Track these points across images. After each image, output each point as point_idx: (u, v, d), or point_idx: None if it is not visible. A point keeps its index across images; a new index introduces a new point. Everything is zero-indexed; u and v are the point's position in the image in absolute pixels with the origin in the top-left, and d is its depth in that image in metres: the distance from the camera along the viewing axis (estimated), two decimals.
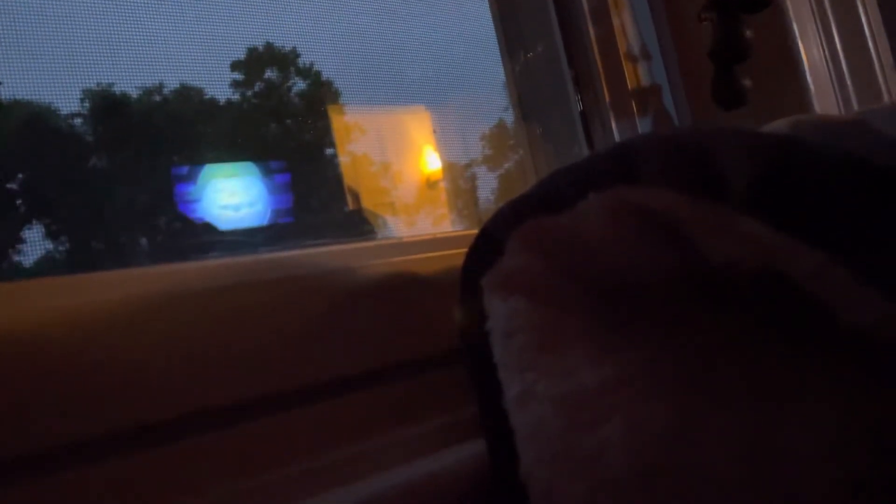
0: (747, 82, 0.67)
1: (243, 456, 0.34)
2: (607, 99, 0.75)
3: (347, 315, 0.40)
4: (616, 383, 0.32)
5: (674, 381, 0.32)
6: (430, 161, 1.84)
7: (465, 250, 0.40)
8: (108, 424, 0.31)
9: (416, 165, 1.83)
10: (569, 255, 0.36)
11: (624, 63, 0.76)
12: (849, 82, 0.74)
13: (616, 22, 0.76)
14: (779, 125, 0.46)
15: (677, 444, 0.30)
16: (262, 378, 0.36)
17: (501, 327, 0.35)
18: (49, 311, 0.31)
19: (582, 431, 0.31)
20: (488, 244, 0.38)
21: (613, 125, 0.74)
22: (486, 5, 0.81)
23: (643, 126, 0.74)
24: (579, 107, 0.76)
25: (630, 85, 0.76)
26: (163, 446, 0.32)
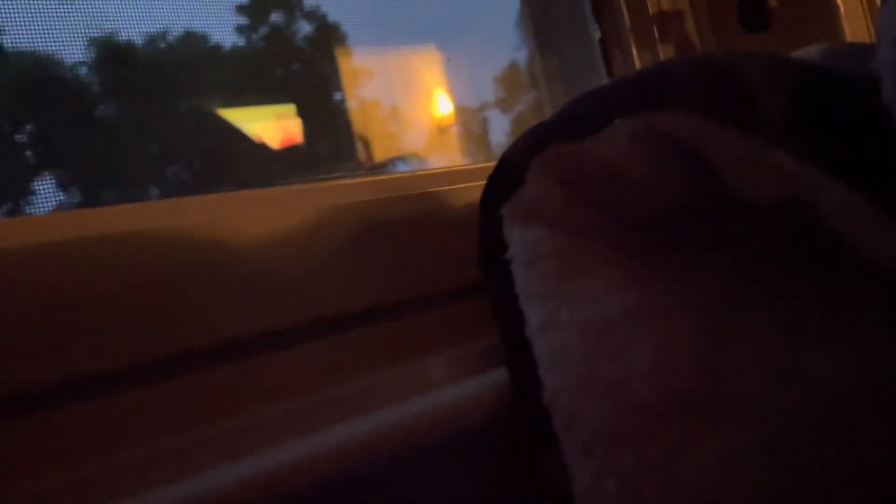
0: (774, 3, 0.64)
1: (269, 385, 0.34)
2: (628, 26, 0.72)
3: (369, 247, 0.40)
4: (640, 310, 0.31)
5: (697, 311, 0.31)
6: (442, 104, 1.80)
7: (482, 183, 0.39)
8: (127, 356, 0.31)
9: (426, 109, 1.80)
10: (592, 182, 0.35)
11: None
12: (879, 3, 0.71)
13: None
14: (809, 51, 0.44)
15: (702, 372, 0.29)
16: (287, 309, 0.36)
17: (522, 256, 0.35)
18: (66, 243, 0.31)
19: (606, 358, 0.30)
20: (508, 172, 0.37)
21: (635, 54, 0.72)
22: None
23: (665, 53, 0.72)
24: (598, 35, 0.74)
25: (651, 10, 0.73)
26: (188, 375, 0.32)
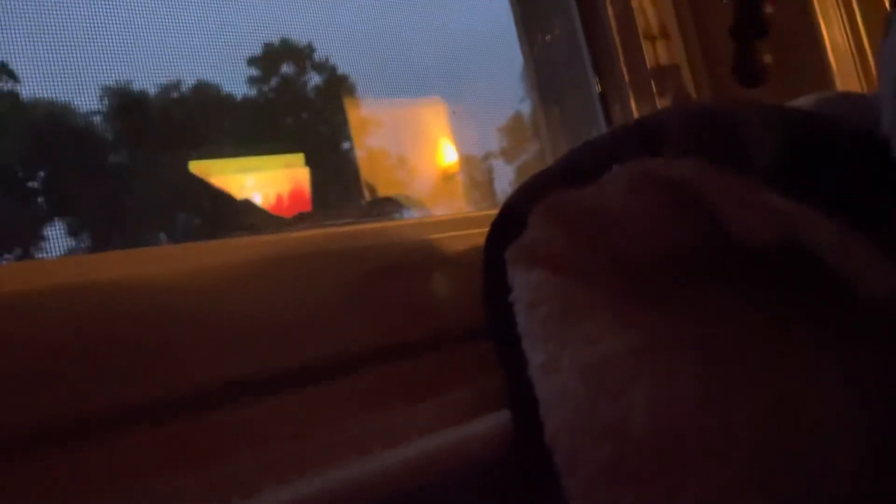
0: (768, 59, 0.66)
1: (274, 426, 0.35)
2: (626, 79, 0.74)
3: (376, 291, 0.40)
4: (639, 352, 0.32)
5: (696, 350, 0.32)
6: (447, 153, 1.83)
7: (486, 229, 0.40)
8: (142, 394, 0.32)
9: (432, 158, 1.83)
10: (592, 226, 0.36)
11: (643, 42, 0.75)
12: (870, 59, 0.73)
13: (634, 1, 0.76)
14: (803, 101, 0.46)
15: (699, 413, 0.30)
16: (294, 350, 0.36)
17: (525, 298, 0.35)
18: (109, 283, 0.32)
19: (606, 398, 0.31)
20: (512, 217, 0.38)
21: (633, 106, 0.74)
22: None
23: (663, 106, 0.74)
24: (598, 88, 0.76)
25: (649, 65, 0.75)
26: (202, 413, 0.33)
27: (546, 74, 0.80)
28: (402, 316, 0.41)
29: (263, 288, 0.36)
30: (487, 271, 0.39)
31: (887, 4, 0.74)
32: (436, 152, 1.87)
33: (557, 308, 0.35)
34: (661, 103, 0.74)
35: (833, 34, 0.73)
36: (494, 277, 0.38)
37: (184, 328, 0.33)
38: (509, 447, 0.35)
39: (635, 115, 0.74)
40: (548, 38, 0.79)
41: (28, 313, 0.30)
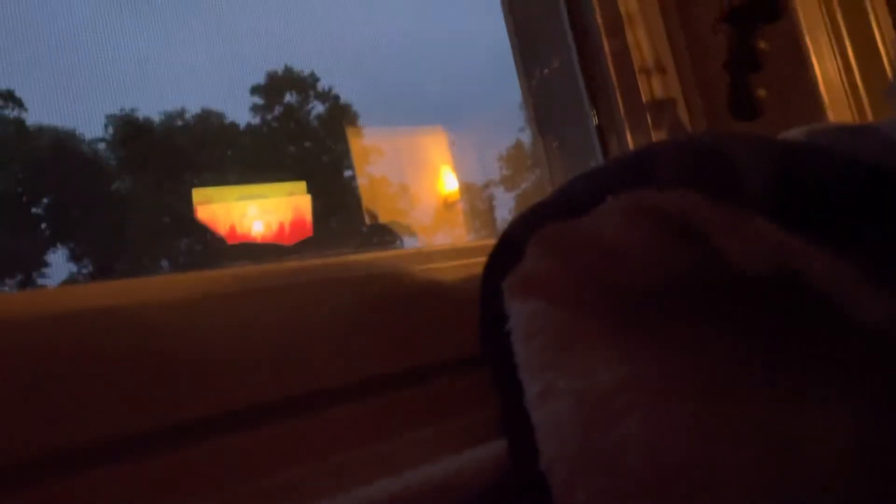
0: (762, 93, 0.67)
1: (272, 454, 0.35)
2: (623, 113, 0.76)
3: (372, 320, 0.41)
4: (635, 382, 0.32)
5: (691, 381, 0.32)
6: (448, 182, 1.85)
7: (484, 259, 0.41)
8: (141, 423, 0.32)
9: (433, 186, 1.84)
10: (588, 257, 0.37)
11: (639, 76, 0.77)
12: (862, 93, 0.75)
13: (630, 36, 0.77)
14: (795, 132, 0.47)
15: (694, 444, 0.30)
16: (290, 379, 0.37)
17: (522, 328, 0.36)
18: (86, 314, 0.32)
19: (601, 428, 0.31)
20: (509, 248, 0.39)
21: (629, 138, 0.75)
22: (502, 23, 0.83)
23: (658, 139, 0.75)
24: (595, 121, 0.77)
25: (645, 98, 0.77)
26: (195, 444, 0.33)
27: (544, 107, 0.81)
28: (397, 345, 0.41)
29: (257, 318, 0.37)
30: (485, 300, 0.40)
31: (878, 37, 0.76)
32: (437, 180, 1.89)
33: (554, 338, 0.35)
34: (656, 136, 0.75)
35: (825, 68, 0.75)
36: (492, 307, 0.38)
37: (176, 359, 0.34)
38: (505, 477, 0.35)
39: (631, 147, 0.75)
40: (546, 71, 0.80)
41: (27, 341, 0.31)
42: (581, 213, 0.36)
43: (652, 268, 0.36)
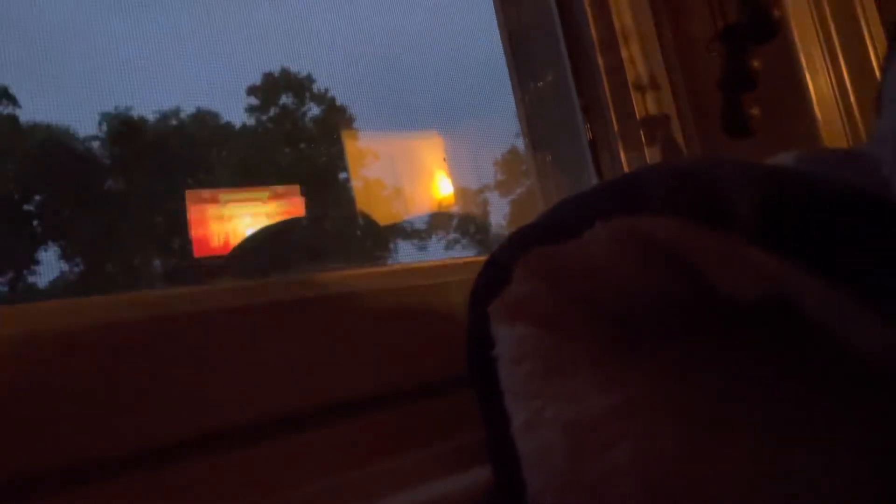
0: (755, 111, 0.67)
1: (252, 477, 0.35)
2: (616, 128, 0.76)
3: (357, 338, 0.40)
4: (623, 410, 0.32)
5: (681, 409, 0.32)
6: (443, 186, 1.84)
7: (473, 276, 0.41)
8: (126, 442, 0.32)
9: (428, 190, 1.84)
10: (575, 283, 0.37)
11: (632, 92, 0.77)
12: (856, 112, 0.75)
13: (625, 52, 0.77)
14: (782, 158, 0.46)
15: (684, 473, 0.30)
16: (270, 400, 0.36)
17: (508, 354, 0.36)
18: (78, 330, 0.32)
19: (589, 458, 0.31)
20: (496, 272, 0.39)
21: (622, 154, 0.75)
22: (498, 35, 0.82)
23: (652, 155, 0.75)
24: (588, 136, 0.77)
25: (639, 114, 0.77)
26: (172, 467, 0.33)
27: (537, 120, 0.81)
28: (382, 365, 0.41)
29: (240, 336, 0.37)
30: (471, 325, 0.39)
31: (872, 57, 0.76)
32: (431, 184, 1.89)
33: (540, 364, 0.35)
34: (649, 152, 0.75)
35: (819, 87, 0.75)
36: (478, 331, 0.38)
37: (155, 380, 0.33)
38: (490, 503, 0.35)
39: (624, 163, 0.75)
40: (540, 85, 0.80)
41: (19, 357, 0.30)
42: (569, 237, 0.36)
43: (641, 294, 0.35)
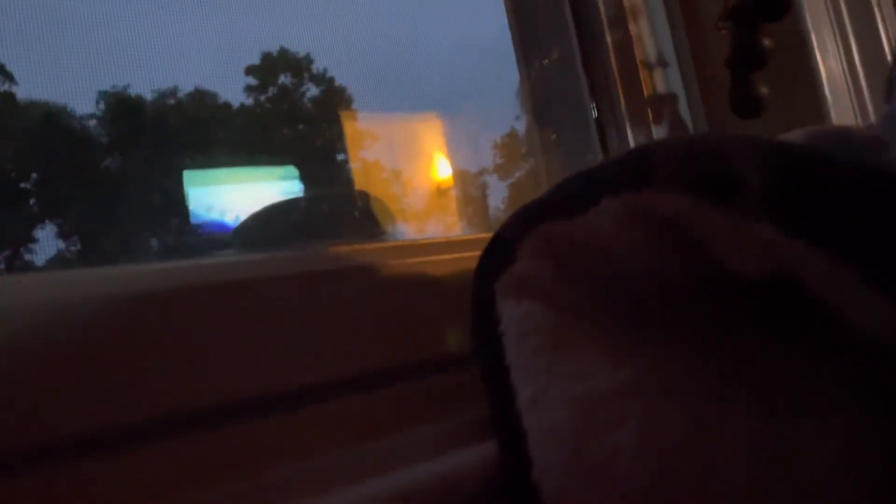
0: (764, 91, 0.67)
1: (256, 453, 0.34)
2: (623, 106, 0.75)
3: (360, 314, 0.40)
4: (630, 387, 0.32)
5: (687, 386, 0.32)
6: (442, 168, 1.84)
7: (477, 253, 0.40)
8: (127, 415, 0.31)
9: (427, 172, 1.83)
10: (582, 259, 0.36)
11: (640, 70, 0.76)
12: (866, 92, 0.74)
13: (633, 29, 0.76)
14: (794, 135, 0.46)
15: (690, 451, 0.29)
16: (272, 376, 0.36)
17: (515, 330, 0.35)
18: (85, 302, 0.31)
19: (595, 435, 0.30)
20: (501, 249, 0.38)
21: (629, 133, 0.74)
22: (503, 11, 0.82)
23: (659, 134, 0.74)
24: (594, 114, 0.76)
25: (646, 93, 0.76)
26: (175, 441, 0.32)
27: (543, 98, 0.80)
28: (386, 340, 0.41)
29: (241, 311, 0.36)
30: (476, 301, 0.39)
31: (883, 37, 0.75)
32: (430, 167, 1.88)
33: (547, 341, 0.34)
34: (656, 131, 0.75)
35: (829, 66, 0.74)
36: (483, 308, 0.38)
37: (153, 352, 0.33)
38: (495, 479, 0.35)
39: (631, 141, 0.74)
40: (546, 62, 0.79)
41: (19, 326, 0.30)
42: (576, 213, 0.36)
43: (647, 271, 0.35)
